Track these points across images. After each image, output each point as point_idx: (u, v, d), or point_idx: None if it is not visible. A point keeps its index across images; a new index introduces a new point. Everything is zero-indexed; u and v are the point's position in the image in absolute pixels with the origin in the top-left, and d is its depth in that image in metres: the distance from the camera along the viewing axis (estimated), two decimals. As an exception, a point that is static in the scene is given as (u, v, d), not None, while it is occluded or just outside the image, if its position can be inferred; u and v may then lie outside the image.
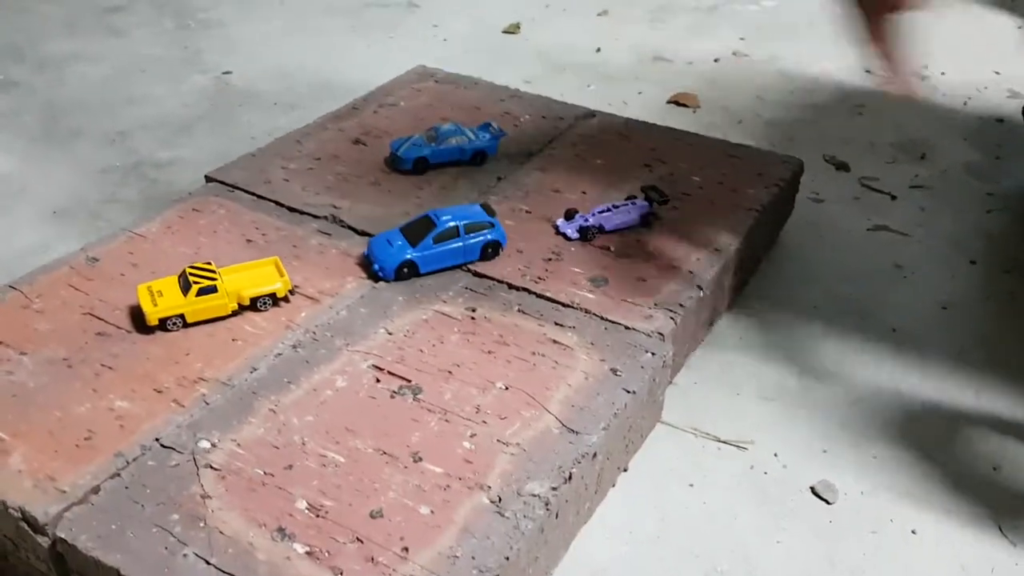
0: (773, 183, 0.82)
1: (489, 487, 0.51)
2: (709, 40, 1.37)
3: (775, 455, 0.65)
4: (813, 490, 0.62)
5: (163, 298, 0.61)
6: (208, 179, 0.80)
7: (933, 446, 0.66)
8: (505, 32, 1.38)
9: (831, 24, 1.42)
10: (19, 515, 0.49)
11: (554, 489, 0.51)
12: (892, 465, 0.65)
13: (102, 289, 0.66)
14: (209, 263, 0.64)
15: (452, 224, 0.69)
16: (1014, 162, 1.04)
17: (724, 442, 0.66)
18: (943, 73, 1.27)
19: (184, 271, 0.63)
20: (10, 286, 0.66)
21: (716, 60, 1.31)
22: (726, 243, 0.74)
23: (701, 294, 0.68)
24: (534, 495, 0.51)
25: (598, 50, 1.32)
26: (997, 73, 1.26)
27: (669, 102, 1.18)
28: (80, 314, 0.63)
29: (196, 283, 0.62)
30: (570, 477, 0.52)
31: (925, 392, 0.71)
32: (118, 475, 0.51)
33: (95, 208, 0.93)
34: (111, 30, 1.36)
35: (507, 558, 0.47)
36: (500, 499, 0.50)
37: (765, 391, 0.70)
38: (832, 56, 1.32)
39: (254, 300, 0.64)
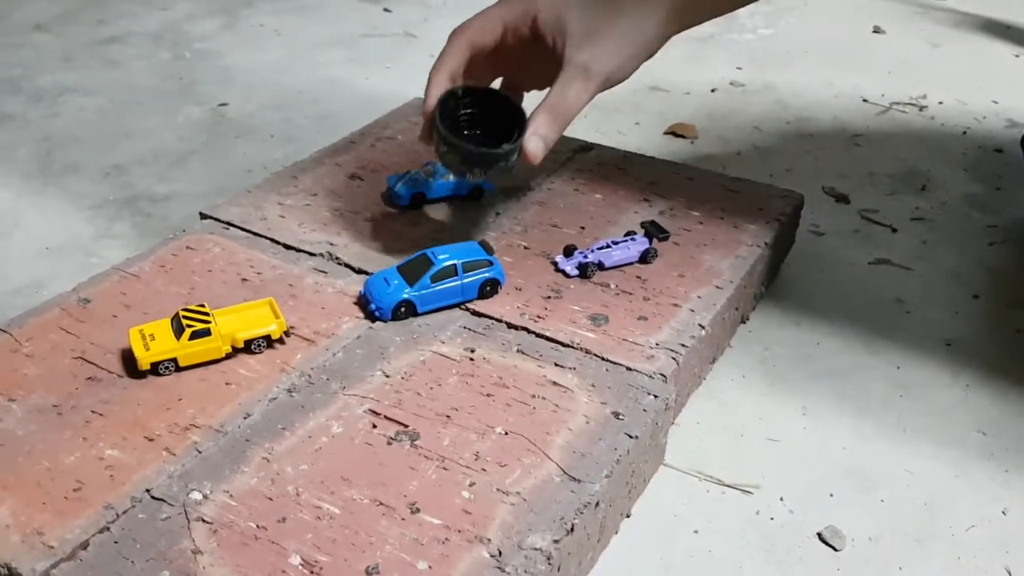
0: (774, 218, 0.81)
1: (489, 540, 0.50)
2: (706, 70, 1.37)
3: (781, 499, 0.63)
4: (820, 536, 0.61)
5: (155, 342, 0.60)
6: (203, 216, 0.79)
7: (940, 488, 0.65)
8: (502, 62, 1.38)
9: (827, 52, 1.43)
10: (6, 572, 0.48)
11: (556, 542, 0.50)
12: (900, 509, 0.63)
13: (93, 332, 0.64)
14: (203, 305, 0.63)
15: (450, 263, 0.68)
16: (1015, 193, 1.03)
17: (729, 486, 0.64)
18: (941, 103, 1.27)
19: (177, 314, 0.62)
20: (0, 329, 0.64)
21: (713, 90, 1.30)
22: (728, 280, 0.73)
23: (703, 332, 0.67)
24: (536, 548, 0.49)
25: (595, 80, 1.32)
26: (995, 102, 1.26)
27: (667, 133, 1.17)
28: (71, 358, 0.62)
29: (189, 326, 0.61)
30: (572, 528, 0.51)
31: (931, 432, 0.70)
32: (107, 529, 0.50)
33: (88, 244, 0.92)
34: (107, 62, 1.36)
35: (508, 615, 0.46)
36: (500, 553, 0.49)
37: (769, 432, 0.69)
38: (829, 85, 1.32)
39: (248, 342, 0.63)
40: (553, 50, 0.69)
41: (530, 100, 0.73)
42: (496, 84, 0.76)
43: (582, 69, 0.68)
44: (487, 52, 0.71)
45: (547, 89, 0.69)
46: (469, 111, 0.71)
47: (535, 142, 0.68)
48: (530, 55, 0.72)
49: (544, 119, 0.68)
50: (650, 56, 0.71)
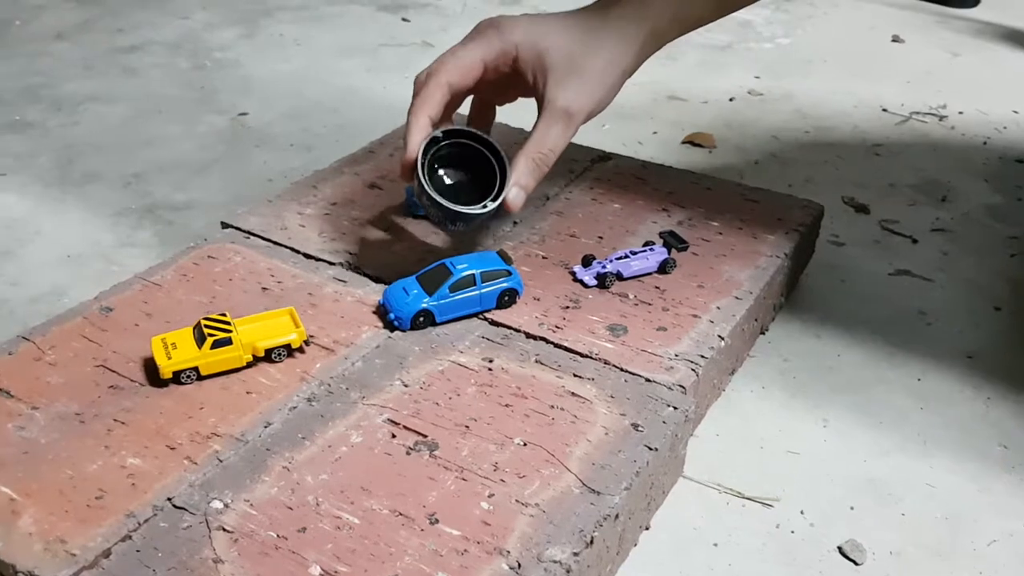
0: (794, 228, 0.81)
1: (508, 552, 0.50)
2: (724, 78, 1.37)
3: (801, 512, 0.63)
4: (841, 550, 0.60)
5: (177, 351, 0.61)
6: (224, 225, 0.80)
7: (962, 502, 0.64)
8: (519, 71, 1.38)
9: (846, 61, 1.42)
10: (28, 579, 0.48)
11: (575, 554, 0.50)
12: (921, 523, 0.63)
13: (116, 340, 0.65)
14: (224, 314, 0.64)
15: (469, 272, 0.68)
16: (1036, 204, 1.03)
17: (749, 499, 0.64)
18: (961, 112, 1.26)
19: (199, 323, 0.62)
20: (23, 337, 0.65)
21: (731, 99, 1.30)
22: (747, 290, 0.72)
23: (723, 344, 0.67)
24: (555, 561, 0.49)
25: (612, 89, 1.32)
26: (1016, 112, 1.26)
27: (684, 142, 1.17)
28: (93, 366, 0.62)
29: (211, 335, 0.61)
30: (592, 541, 0.51)
31: (953, 445, 0.69)
32: (129, 537, 0.50)
33: (109, 252, 0.92)
34: (127, 70, 1.37)
35: (528, 628, 0.46)
36: (520, 565, 0.49)
37: (789, 444, 0.69)
38: (848, 95, 1.32)
39: (269, 351, 0.63)
40: (533, 87, 0.68)
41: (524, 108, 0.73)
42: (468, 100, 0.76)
43: (564, 112, 0.67)
44: (466, 90, 0.70)
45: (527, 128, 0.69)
46: (448, 151, 0.70)
47: (515, 192, 0.68)
48: (507, 85, 0.72)
49: (525, 168, 0.68)
50: (627, 79, 0.71)
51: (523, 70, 0.68)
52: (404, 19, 1.60)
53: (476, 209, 0.67)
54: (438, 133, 0.67)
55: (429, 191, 0.66)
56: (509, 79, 0.70)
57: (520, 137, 0.71)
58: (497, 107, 0.79)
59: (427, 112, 0.67)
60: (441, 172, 0.71)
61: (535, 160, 0.68)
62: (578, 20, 0.69)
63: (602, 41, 0.68)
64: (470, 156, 0.70)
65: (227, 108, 1.25)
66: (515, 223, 0.81)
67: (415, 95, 0.68)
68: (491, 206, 0.67)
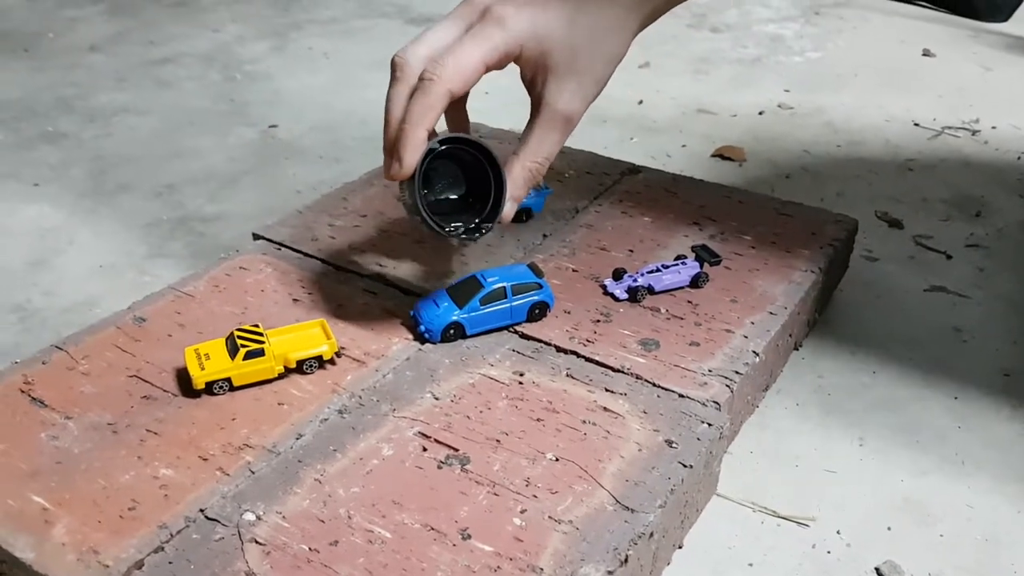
0: (828, 243, 0.80)
1: (541, 569, 0.49)
2: (753, 92, 1.36)
3: (838, 532, 0.62)
4: (878, 571, 0.59)
5: (210, 361, 0.61)
6: (256, 236, 0.80)
7: (1001, 523, 0.63)
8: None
9: (877, 75, 1.41)
10: (61, 589, 0.48)
11: (610, 573, 0.49)
12: (960, 544, 0.61)
13: (148, 351, 0.65)
14: (257, 325, 0.64)
15: (499, 285, 0.68)
16: (1074, 220, 1.01)
17: (784, 518, 0.63)
18: (994, 127, 1.24)
19: (232, 334, 0.62)
20: (56, 347, 0.65)
21: (761, 113, 1.29)
22: (781, 305, 0.72)
23: (757, 359, 0.66)
24: (590, 579, 0.48)
25: (640, 102, 1.31)
26: (1051, 127, 1.24)
27: (714, 155, 1.16)
28: (126, 376, 0.63)
29: (244, 346, 0.61)
30: (626, 560, 0.50)
31: (991, 465, 0.68)
32: (162, 549, 0.50)
33: (141, 263, 0.93)
34: (159, 82, 1.39)
35: (562, 647, 0.45)
36: (554, 582, 0.48)
37: (825, 463, 0.68)
38: (879, 109, 1.30)
39: (300, 363, 0.63)
40: (530, 84, 0.64)
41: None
42: None
43: (563, 117, 0.63)
44: (463, 96, 0.65)
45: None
46: (440, 159, 0.64)
47: (509, 206, 0.64)
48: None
49: (521, 178, 0.64)
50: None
51: (523, 66, 0.63)
52: (432, 32, 1.60)
53: (473, 233, 0.64)
54: (435, 144, 0.61)
55: (427, 217, 0.62)
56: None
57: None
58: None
59: (427, 126, 0.60)
60: (432, 175, 0.65)
61: (531, 170, 0.64)
62: (581, 10, 0.62)
63: (604, 35, 0.63)
64: (465, 163, 0.65)
65: (257, 120, 1.26)
66: (544, 236, 0.81)
67: (394, 80, 0.62)
68: (488, 226, 0.64)
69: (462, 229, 0.64)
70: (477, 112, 0.95)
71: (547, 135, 0.64)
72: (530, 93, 0.65)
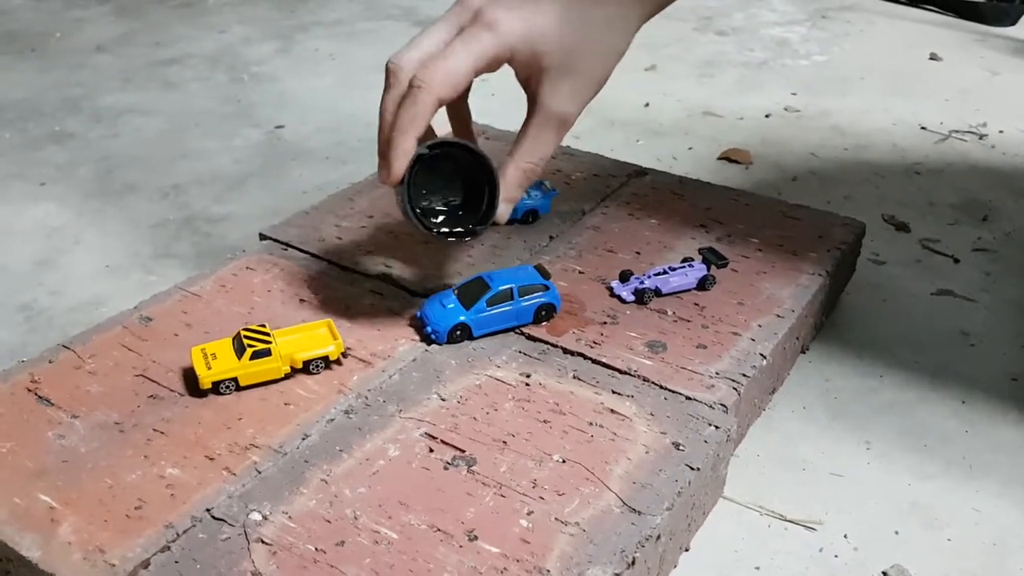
0: (835, 246, 0.80)
1: (548, 571, 0.49)
2: (759, 95, 1.36)
3: (845, 536, 0.62)
4: (886, 576, 0.59)
5: (217, 361, 0.61)
6: (262, 237, 0.80)
7: (1009, 528, 0.63)
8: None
9: (884, 79, 1.41)
10: (67, 588, 0.48)
11: (617, 575, 0.49)
12: (968, 549, 0.61)
13: (155, 350, 0.65)
14: (263, 325, 0.64)
15: (506, 286, 0.67)
16: (1082, 224, 1.01)
17: (791, 521, 0.63)
18: (1001, 131, 1.24)
19: (238, 333, 0.62)
20: (63, 346, 0.65)
21: (767, 116, 1.29)
22: (789, 308, 0.71)
23: (764, 362, 0.66)
24: (597, 581, 0.48)
25: (647, 105, 1.31)
26: (1059, 131, 1.23)
27: (720, 158, 1.16)
28: (132, 376, 0.63)
29: (251, 346, 0.61)
30: (633, 562, 0.50)
31: (999, 470, 0.68)
32: (168, 548, 0.50)
33: (148, 263, 0.93)
34: (166, 83, 1.39)
35: (569, 649, 0.45)
36: (561, 584, 0.48)
37: (832, 466, 0.68)
38: (886, 112, 1.30)
39: (307, 363, 0.63)
40: (525, 85, 0.63)
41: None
42: None
43: (558, 118, 0.63)
44: (453, 103, 0.66)
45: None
46: (440, 160, 0.64)
47: (503, 208, 0.64)
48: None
49: (515, 179, 0.63)
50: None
51: (516, 69, 0.63)
52: (438, 34, 1.60)
53: (463, 232, 0.64)
54: (423, 150, 0.61)
55: (415, 221, 0.62)
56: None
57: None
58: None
59: (415, 133, 0.60)
60: (432, 177, 0.65)
61: (525, 172, 0.64)
62: (574, 9, 0.61)
63: (600, 34, 0.62)
64: (457, 165, 0.65)
65: (263, 122, 1.26)
66: (551, 237, 0.81)
67: (386, 87, 0.62)
68: (480, 228, 0.64)
69: (455, 231, 0.64)
70: (485, 114, 0.95)
71: (541, 136, 0.63)
72: (526, 92, 0.64)
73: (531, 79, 0.63)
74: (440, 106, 0.61)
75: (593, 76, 0.63)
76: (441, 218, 0.65)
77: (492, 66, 0.61)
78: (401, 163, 0.60)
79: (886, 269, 0.92)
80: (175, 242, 0.97)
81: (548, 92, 0.62)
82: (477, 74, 0.61)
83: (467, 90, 0.65)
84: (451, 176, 0.65)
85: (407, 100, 0.60)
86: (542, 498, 0.54)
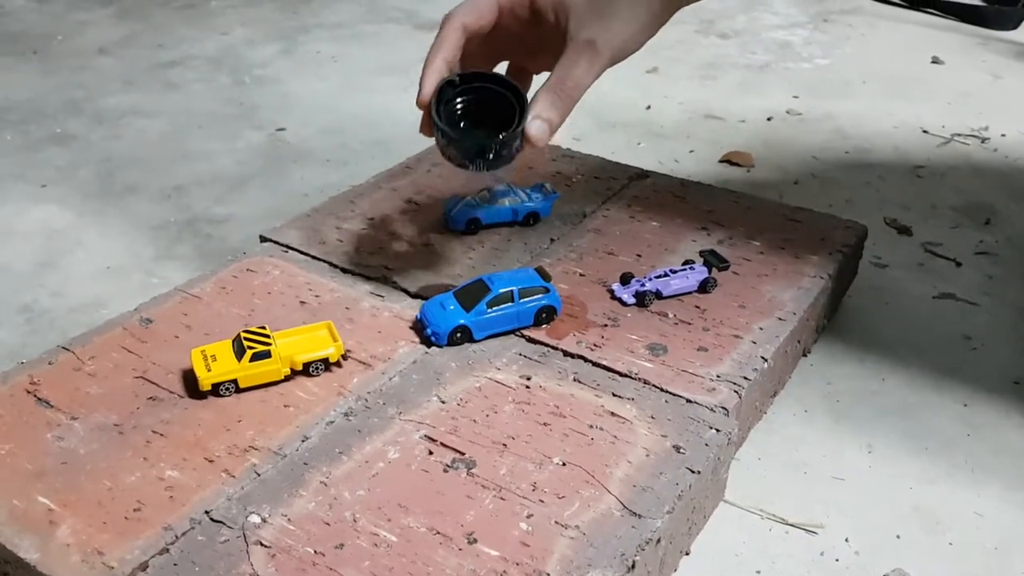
0: (837, 249, 0.79)
1: (548, 574, 0.49)
2: (761, 98, 1.36)
3: (846, 540, 0.61)
4: (887, 579, 0.59)
5: (217, 363, 0.61)
6: (263, 239, 0.80)
7: (1011, 531, 0.63)
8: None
9: (886, 82, 1.41)
10: (65, 590, 0.48)
11: (617, 578, 0.49)
12: (969, 553, 0.61)
13: (155, 352, 0.65)
14: (263, 327, 0.64)
15: (507, 289, 0.67)
16: (1084, 227, 1.01)
17: (792, 525, 0.62)
18: (1003, 135, 1.24)
19: (239, 335, 0.62)
20: (63, 347, 0.65)
21: (769, 119, 1.29)
22: (790, 311, 0.71)
23: (766, 365, 0.66)
24: (597, 584, 0.48)
25: (648, 107, 1.31)
26: (1061, 134, 1.23)
27: (722, 161, 1.16)
28: (132, 377, 0.63)
29: (251, 348, 0.61)
30: (633, 566, 0.50)
31: (1001, 473, 0.67)
32: (167, 550, 0.50)
33: (148, 264, 0.93)
34: (168, 85, 1.39)
35: (568, 653, 0.45)
36: (561, 587, 0.48)
37: (834, 469, 0.67)
38: (888, 116, 1.30)
39: (307, 365, 0.63)
40: (556, 27, 0.64)
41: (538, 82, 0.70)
42: (503, 69, 0.71)
43: (588, 45, 0.62)
44: (484, 35, 0.66)
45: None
46: (466, 98, 0.65)
47: (538, 125, 0.62)
48: (532, 34, 0.66)
49: (546, 100, 0.63)
50: (656, 30, 0.66)
51: (543, 9, 0.64)
52: (440, 37, 1.60)
53: (493, 138, 0.62)
54: (453, 77, 0.63)
55: (443, 127, 0.62)
56: (532, 27, 0.66)
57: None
58: (534, 75, 0.74)
59: (442, 55, 0.63)
60: (462, 125, 0.65)
61: (557, 93, 0.63)
62: None
63: None
64: (492, 104, 0.64)
65: (265, 124, 1.26)
66: (552, 240, 0.81)
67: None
68: (508, 134, 0.61)
69: (487, 142, 0.62)
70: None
71: (575, 61, 0.63)
72: (557, 36, 0.64)
73: (559, 16, 0.64)
74: (468, 34, 0.64)
75: (623, 18, 0.63)
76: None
77: (516, 2, 0.65)
78: (429, 81, 0.63)
79: (888, 272, 0.92)
80: (176, 244, 0.97)
81: (575, 22, 0.63)
82: (502, 10, 0.65)
83: (499, 26, 0.66)
84: (486, 121, 0.64)
85: (439, 29, 0.65)
86: (542, 501, 0.54)
